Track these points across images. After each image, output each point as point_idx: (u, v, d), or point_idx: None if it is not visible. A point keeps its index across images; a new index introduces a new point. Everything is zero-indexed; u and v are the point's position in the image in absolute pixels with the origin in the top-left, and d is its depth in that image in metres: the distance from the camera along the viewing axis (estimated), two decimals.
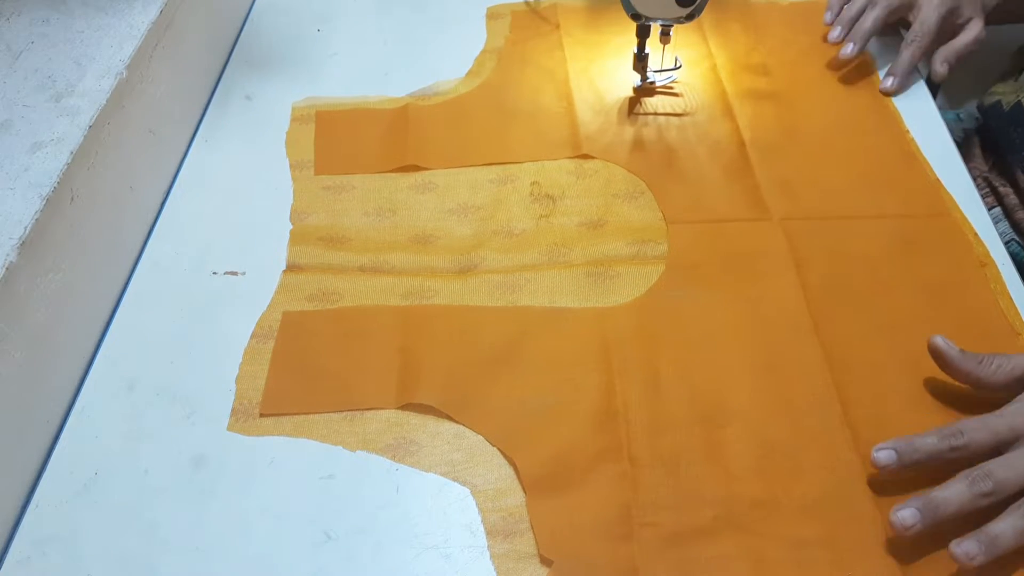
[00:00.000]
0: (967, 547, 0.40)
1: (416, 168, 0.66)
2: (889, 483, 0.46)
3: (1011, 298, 0.54)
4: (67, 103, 0.56)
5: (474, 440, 0.50)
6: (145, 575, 0.46)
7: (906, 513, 0.42)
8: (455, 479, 0.48)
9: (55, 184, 0.51)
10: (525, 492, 0.47)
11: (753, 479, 0.47)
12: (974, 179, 0.63)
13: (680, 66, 0.71)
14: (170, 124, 0.68)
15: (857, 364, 0.51)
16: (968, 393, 0.49)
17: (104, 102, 0.56)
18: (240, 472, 0.49)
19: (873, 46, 0.72)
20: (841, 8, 0.73)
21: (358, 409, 0.51)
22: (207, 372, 0.54)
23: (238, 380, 0.53)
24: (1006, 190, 0.70)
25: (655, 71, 0.70)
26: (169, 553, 0.46)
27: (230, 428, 0.51)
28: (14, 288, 0.48)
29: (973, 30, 0.68)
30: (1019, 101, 0.69)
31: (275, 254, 0.60)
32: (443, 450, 0.49)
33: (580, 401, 0.51)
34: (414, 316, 0.56)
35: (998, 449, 0.43)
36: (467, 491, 0.48)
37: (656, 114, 0.69)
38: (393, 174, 0.66)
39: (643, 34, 0.66)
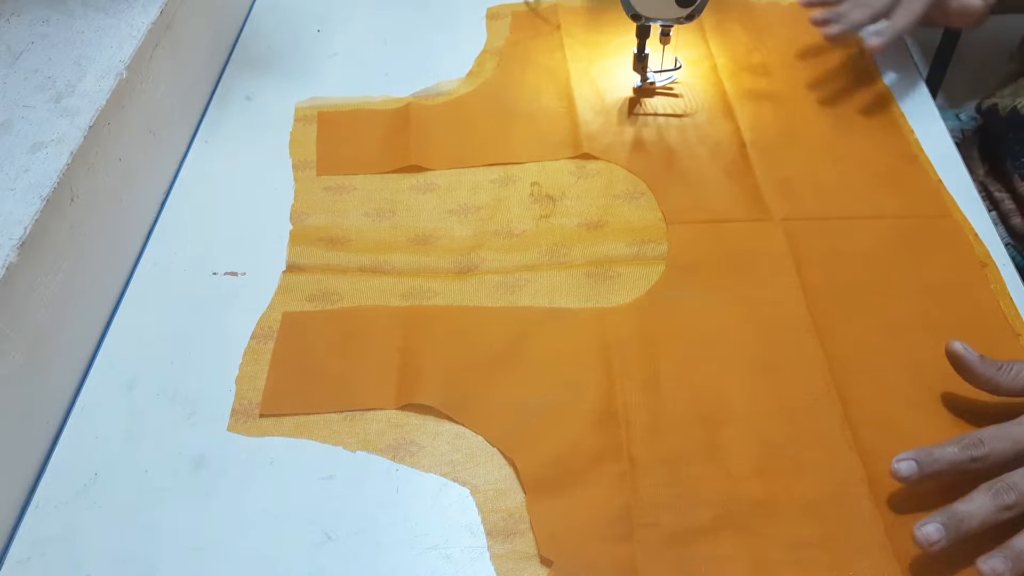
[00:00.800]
0: (994, 564, 0.39)
1: (418, 169, 0.66)
2: (889, 482, 0.45)
3: (1012, 299, 0.54)
4: (67, 103, 0.56)
5: (474, 440, 0.50)
6: (145, 575, 0.46)
7: (930, 528, 0.41)
8: (455, 479, 0.48)
9: (55, 184, 0.51)
10: (525, 492, 0.47)
11: (753, 479, 0.47)
12: None
13: (680, 67, 0.71)
14: (170, 124, 0.68)
15: (857, 364, 0.51)
16: (970, 394, 0.49)
17: (104, 102, 0.56)
18: (240, 472, 0.49)
19: None
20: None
21: (358, 409, 0.51)
22: (207, 372, 0.54)
23: (238, 380, 0.53)
24: (1002, 195, 0.69)
25: (655, 72, 0.70)
26: (169, 553, 0.46)
27: (230, 428, 0.51)
28: (14, 288, 0.48)
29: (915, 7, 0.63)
30: (1015, 107, 0.68)
31: (275, 254, 0.60)
32: (443, 450, 0.49)
33: (580, 401, 0.51)
34: (414, 317, 0.56)
35: (1018, 458, 0.43)
36: (467, 491, 0.48)
37: (656, 115, 0.69)
38: (394, 175, 0.66)
39: (643, 35, 0.66)
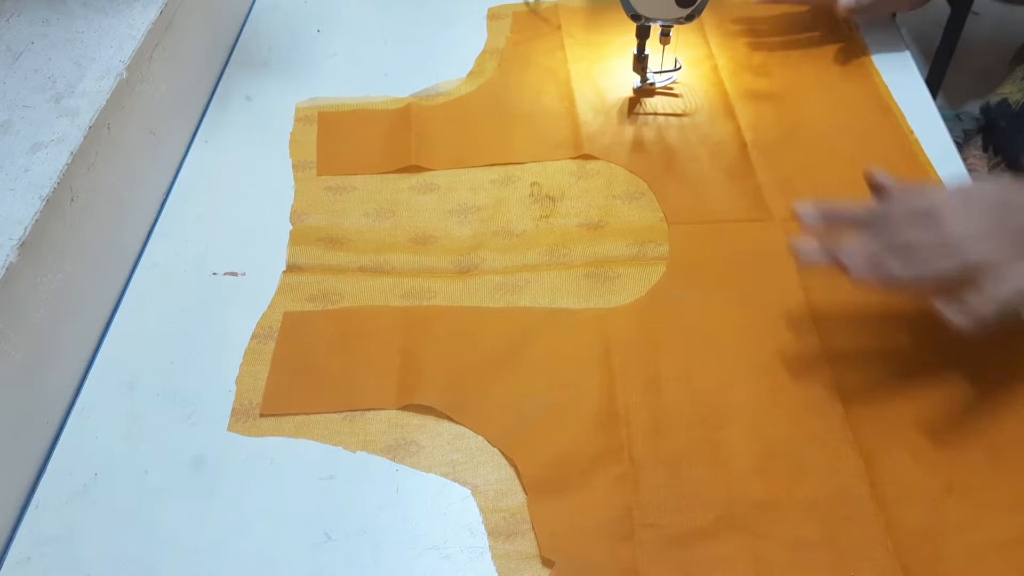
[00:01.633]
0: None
1: (418, 169, 0.66)
2: (891, 482, 0.45)
3: None
4: (67, 103, 0.56)
5: (475, 441, 0.50)
6: (145, 575, 0.46)
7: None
8: (456, 480, 0.48)
9: (55, 184, 0.51)
10: (526, 493, 0.47)
11: (754, 480, 0.47)
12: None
13: (680, 67, 0.71)
14: (170, 124, 0.68)
15: (858, 365, 0.51)
16: (971, 394, 0.49)
17: (104, 102, 0.56)
18: (240, 472, 0.49)
19: (871, 43, 0.72)
20: None
21: (358, 410, 0.51)
22: (207, 372, 0.54)
23: (238, 380, 0.53)
24: None
25: (655, 72, 0.70)
26: (169, 553, 0.46)
27: (230, 428, 0.51)
28: (14, 288, 0.48)
29: None
30: None
31: (275, 255, 0.60)
32: (444, 451, 0.49)
33: (581, 402, 0.51)
34: (414, 317, 0.56)
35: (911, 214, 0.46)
36: (468, 492, 0.48)
37: (657, 114, 0.69)
38: (395, 175, 0.66)
39: (643, 35, 0.66)
